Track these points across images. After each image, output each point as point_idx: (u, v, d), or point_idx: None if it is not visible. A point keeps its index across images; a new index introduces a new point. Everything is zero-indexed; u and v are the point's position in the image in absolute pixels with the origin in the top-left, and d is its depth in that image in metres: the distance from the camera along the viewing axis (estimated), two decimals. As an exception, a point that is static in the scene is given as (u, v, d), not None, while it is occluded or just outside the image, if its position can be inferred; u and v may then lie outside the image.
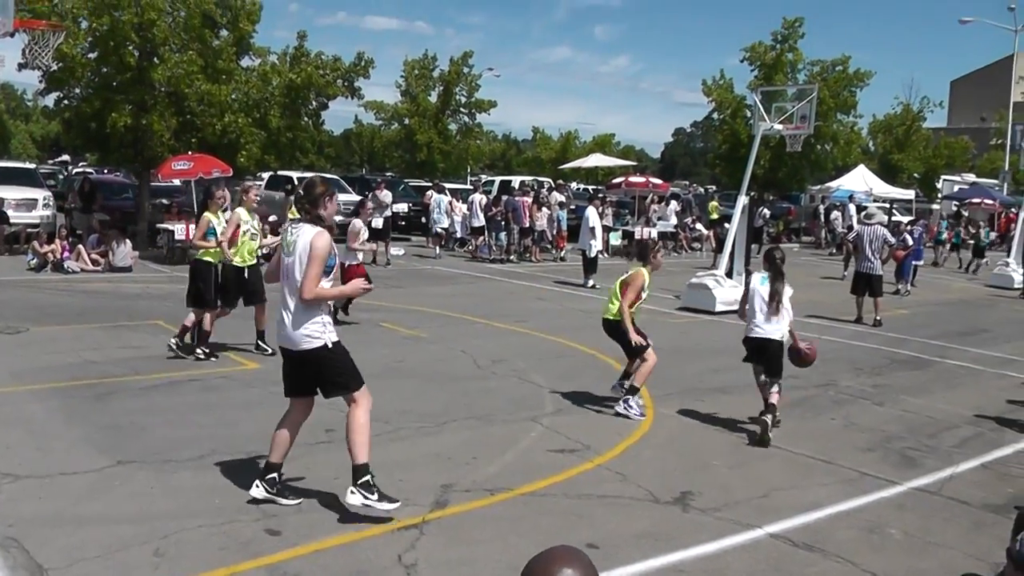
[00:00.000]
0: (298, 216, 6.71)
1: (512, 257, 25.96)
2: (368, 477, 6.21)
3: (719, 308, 16.66)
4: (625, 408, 9.30)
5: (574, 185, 46.44)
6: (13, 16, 11.00)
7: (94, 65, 23.05)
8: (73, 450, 7.60)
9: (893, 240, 18.03)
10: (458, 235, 28.72)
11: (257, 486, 6.43)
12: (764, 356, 9.08)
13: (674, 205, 32.59)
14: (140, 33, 22.12)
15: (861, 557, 6.09)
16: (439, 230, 27.63)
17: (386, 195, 25.24)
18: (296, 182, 26.09)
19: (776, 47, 38.45)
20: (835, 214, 35.87)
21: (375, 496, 6.18)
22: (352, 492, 6.20)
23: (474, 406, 9.49)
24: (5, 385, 9.71)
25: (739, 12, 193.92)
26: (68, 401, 9.12)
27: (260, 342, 11.73)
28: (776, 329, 9.02)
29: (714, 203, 35.22)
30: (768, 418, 8.66)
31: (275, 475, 6.48)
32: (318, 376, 6.38)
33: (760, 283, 9.09)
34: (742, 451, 8.42)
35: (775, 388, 8.94)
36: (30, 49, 12.34)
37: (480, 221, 27.00)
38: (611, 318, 9.51)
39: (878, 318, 16.55)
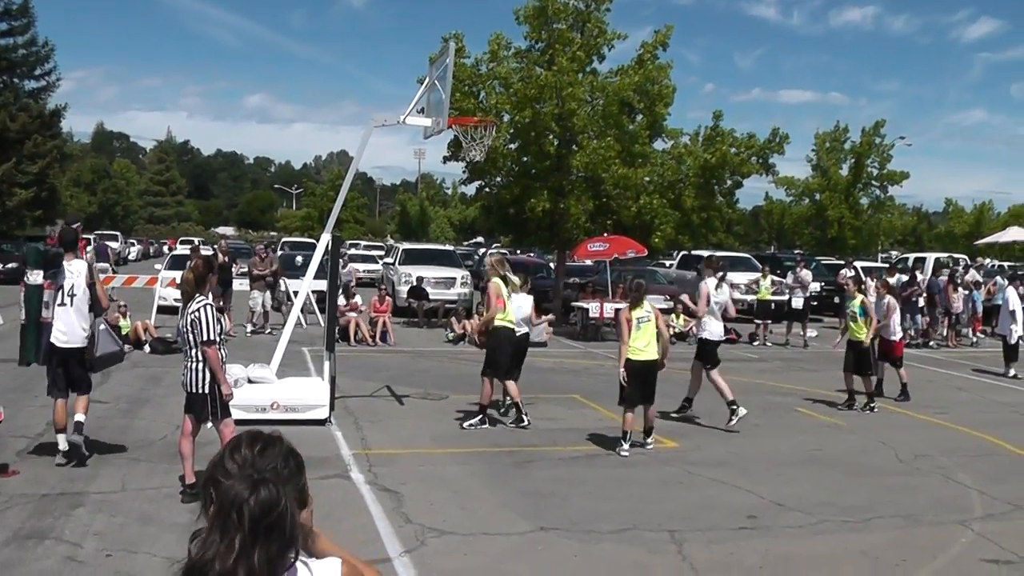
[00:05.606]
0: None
1: (931, 343, 23.79)
2: None
3: None
4: None
5: (988, 262, 42.23)
6: (447, 115, 11.78)
7: (515, 155, 24.33)
8: (496, 512, 7.70)
9: None
10: None
11: None
12: None
13: None
14: (560, 123, 23.08)
15: None
16: None
17: (806, 274, 24.11)
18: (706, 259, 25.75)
19: None
20: None
21: None
22: None
23: (899, 503, 8.62)
24: (428, 447, 10.17)
25: None
26: (489, 466, 9.31)
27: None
28: None
29: None
30: None
31: None
32: None
33: None
34: None
35: None
36: (467, 144, 13.16)
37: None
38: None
39: None
